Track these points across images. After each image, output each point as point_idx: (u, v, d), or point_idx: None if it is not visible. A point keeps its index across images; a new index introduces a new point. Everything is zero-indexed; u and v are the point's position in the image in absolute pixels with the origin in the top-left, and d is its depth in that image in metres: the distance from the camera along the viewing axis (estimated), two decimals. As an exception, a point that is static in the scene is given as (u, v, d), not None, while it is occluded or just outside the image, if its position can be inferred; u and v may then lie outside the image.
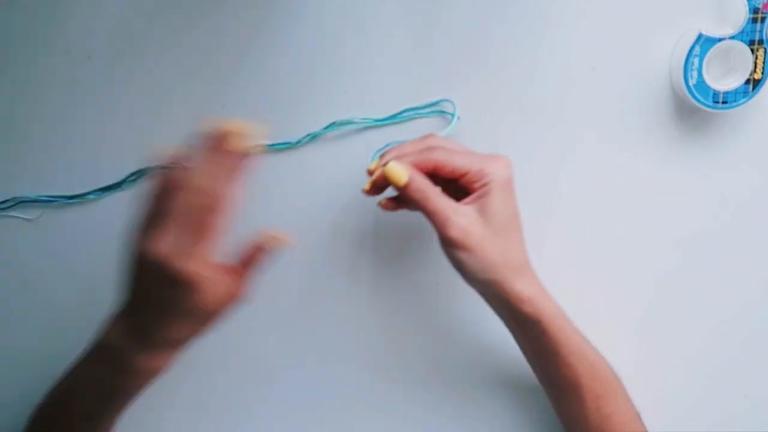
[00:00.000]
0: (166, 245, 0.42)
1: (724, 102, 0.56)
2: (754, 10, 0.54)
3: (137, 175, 0.61)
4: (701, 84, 0.56)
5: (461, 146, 0.51)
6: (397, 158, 0.48)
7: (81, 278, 0.63)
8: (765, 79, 0.56)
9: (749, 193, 0.60)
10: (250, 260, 0.47)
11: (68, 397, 0.50)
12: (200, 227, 0.42)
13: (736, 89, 0.56)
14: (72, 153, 0.61)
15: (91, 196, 0.62)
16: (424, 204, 0.47)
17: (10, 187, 0.61)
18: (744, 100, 0.56)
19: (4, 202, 0.62)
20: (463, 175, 0.47)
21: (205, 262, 0.42)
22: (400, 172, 0.46)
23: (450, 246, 0.47)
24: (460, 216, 0.46)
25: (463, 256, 0.47)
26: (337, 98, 0.59)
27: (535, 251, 0.53)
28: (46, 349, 0.64)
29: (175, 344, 0.46)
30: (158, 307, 0.44)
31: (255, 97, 0.60)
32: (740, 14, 0.55)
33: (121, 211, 0.61)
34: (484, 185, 0.47)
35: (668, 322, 0.62)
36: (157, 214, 0.43)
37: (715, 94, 0.56)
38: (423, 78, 0.59)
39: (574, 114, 0.59)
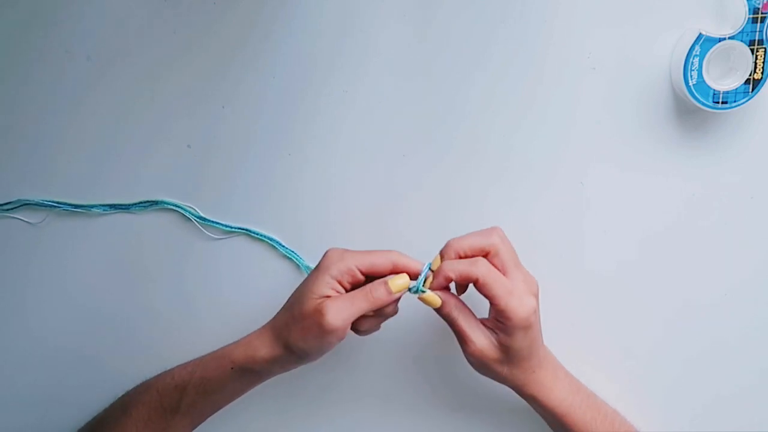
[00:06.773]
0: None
1: (724, 102, 0.56)
2: (754, 10, 0.54)
3: (150, 204, 0.61)
4: (701, 84, 0.56)
5: (511, 253, 0.54)
6: (455, 250, 0.54)
7: (74, 287, 0.63)
8: (765, 80, 0.55)
9: (749, 193, 0.60)
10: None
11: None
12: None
13: (736, 89, 0.56)
14: (72, 153, 0.61)
15: (96, 210, 0.62)
16: (452, 325, 0.55)
17: (15, 189, 0.62)
18: (744, 100, 0.56)
19: (8, 203, 0.62)
20: (496, 304, 0.52)
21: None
22: (434, 299, 0.54)
23: (467, 360, 0.55)
24: (479, 338, 0.54)
25: (477, 368, 0.56)
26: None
27: (531, 246, 0.57)
28: (44, 349, 0.64)
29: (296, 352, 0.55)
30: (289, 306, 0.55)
31: (256, 96, 0.60)
32: (740, 14, 0.54)
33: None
34: (506, 325, 0.52)
35: (673, 317, 0.63)
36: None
37: (715, 94, 0.56)
38: (423, 78, 0.59)
39: (574, 113, 0.59)
